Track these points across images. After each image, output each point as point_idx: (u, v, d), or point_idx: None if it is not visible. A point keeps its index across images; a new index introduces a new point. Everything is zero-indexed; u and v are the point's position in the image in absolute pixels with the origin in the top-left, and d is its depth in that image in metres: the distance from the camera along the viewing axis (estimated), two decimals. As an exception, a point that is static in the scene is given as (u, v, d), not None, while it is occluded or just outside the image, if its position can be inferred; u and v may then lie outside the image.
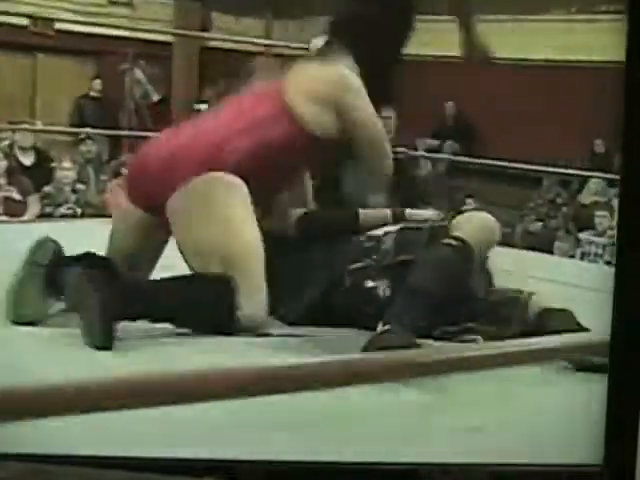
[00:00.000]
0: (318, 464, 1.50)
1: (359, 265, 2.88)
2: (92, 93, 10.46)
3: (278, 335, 2.62)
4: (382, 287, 2.83)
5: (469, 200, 9.40)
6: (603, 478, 1.28)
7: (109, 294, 2.47)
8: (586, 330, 2.55)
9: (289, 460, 1.51)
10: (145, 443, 1.50)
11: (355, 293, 2.84)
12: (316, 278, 2.89)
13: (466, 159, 9.33)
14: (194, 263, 2.72)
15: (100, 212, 7.31)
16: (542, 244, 7.92)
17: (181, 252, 2.77)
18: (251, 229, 2.69)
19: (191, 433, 1.49)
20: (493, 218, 2.88)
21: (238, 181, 2.71)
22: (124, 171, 7.15)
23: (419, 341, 2.40)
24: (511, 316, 2.80)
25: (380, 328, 2.47)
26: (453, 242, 2.74)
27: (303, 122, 2.79)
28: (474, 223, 2.82)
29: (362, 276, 2.87)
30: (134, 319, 2.57)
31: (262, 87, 2.95)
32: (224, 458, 1.46)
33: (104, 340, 2.43)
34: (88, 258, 2.66)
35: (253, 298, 2.64)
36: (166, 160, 2.75)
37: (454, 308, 2.74)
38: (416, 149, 9.02)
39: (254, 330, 2.62)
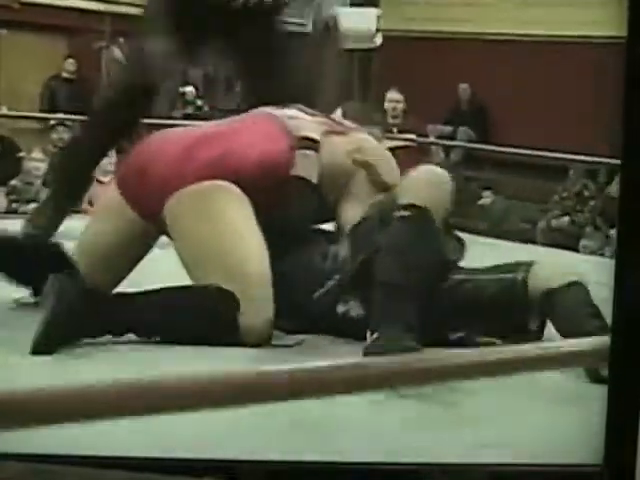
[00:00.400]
0: (318, 464, 1.69)
1: (323, 290, 2.92)
2: (64, 74, 10.47)
3: (281, 346, 2.78)
4: (354, 308, 2.86)
5: (486, 192, 9.53)
6: (603, 478, 1.46)
7: (71, 303, 2.68)
8: (597, 310, 2.57)
9: (289, 460, 1.70)
10: (145, 443, 1.67)
11: (329, 321, 2.90)
12: (290, 302, 2.92)
13: (482, 147, 9.44)
14: (195, 273, 2.91)
15: (75, 209, 7.42)
16: (567, 241, 8.05)
17: (182, 262, 2.95)
18: (255, 238, 2.89)
19: (191, 433, 1.67)
20: (440, 169, 2.84)
21: (240, 192, 2.94)
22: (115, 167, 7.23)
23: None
24: (510, 310, 2.75)
25: (369, 337, 2.56)
26: (405, 213, 2.71)
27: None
28: (421, 181, 2.76)
29: (330, 301, 2.90)
30: (117, 334, 2.75)
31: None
32: (224, 458, 1.65)
33: (39, 344, 2.64)
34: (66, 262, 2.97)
35: (257, 310, 2.79)
36: (169, 164, 2.97)
37: (438, 295, 2.74)
38: (427, 136, 9.12)
39: (258, 343, 2.76)
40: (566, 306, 2.68)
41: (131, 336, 2.76)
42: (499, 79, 9.86)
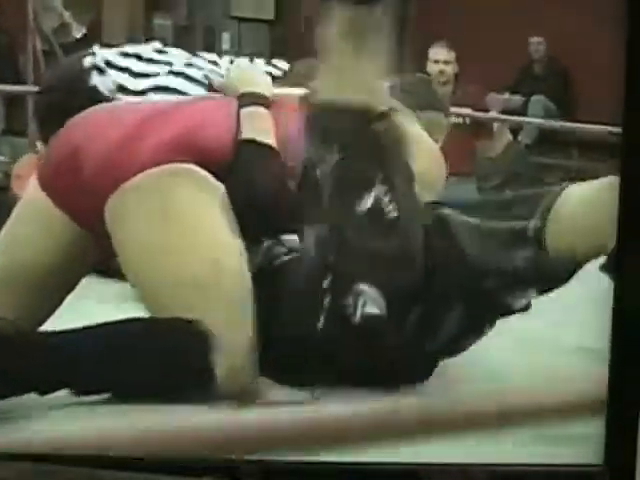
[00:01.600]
0: (318, 464, 2.40)
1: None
2: (-23, 25, 11.06)
3: (278, 402, 3.09)
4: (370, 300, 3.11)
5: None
6: (603, 478, 2.15)
7: None
8: None
9: (289, 460, 2.41)
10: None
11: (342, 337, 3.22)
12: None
13: (564, 124, 9.79)
14: (149, 299, 3.05)
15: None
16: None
17: (131, 284, 3.13)
18: (234, 246, 3.02)
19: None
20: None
21: (212, 178, 3.09)
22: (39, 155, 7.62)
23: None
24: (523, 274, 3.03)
25: None
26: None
27: None
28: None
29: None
30: (45, 391, 2.91)
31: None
32: (224, 458, 2.34)
33: None
34: None
35: (236, 349, 2.98)
36: (113, 146, 3.12)
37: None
38: (487, 110, 9.41)
39: (239, 395, 2.98)
40: None
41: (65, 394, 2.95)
42: (587, 31, 9.91)
